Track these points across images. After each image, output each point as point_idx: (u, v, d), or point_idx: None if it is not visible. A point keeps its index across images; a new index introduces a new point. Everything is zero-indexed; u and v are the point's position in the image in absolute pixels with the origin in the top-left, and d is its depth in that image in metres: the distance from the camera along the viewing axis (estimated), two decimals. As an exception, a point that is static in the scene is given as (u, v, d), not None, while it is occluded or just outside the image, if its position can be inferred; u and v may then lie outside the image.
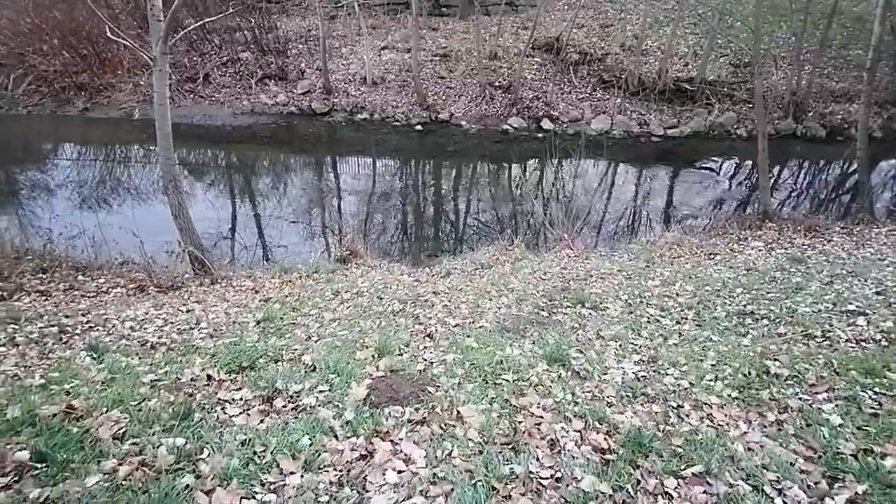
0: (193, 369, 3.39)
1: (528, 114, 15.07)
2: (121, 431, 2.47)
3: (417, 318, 4.72)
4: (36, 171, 12.21)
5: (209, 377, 3.29)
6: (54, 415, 2.60)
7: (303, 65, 16.17)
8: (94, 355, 3.73)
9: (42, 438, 2.34)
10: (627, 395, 3.16)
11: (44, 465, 2.19)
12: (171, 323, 4.84)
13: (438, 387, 3.16)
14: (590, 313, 4.72)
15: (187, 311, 5.34)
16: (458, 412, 2.82)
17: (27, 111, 14.33)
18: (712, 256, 7.41)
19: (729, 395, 3.16)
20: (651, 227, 10.01)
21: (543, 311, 4.84)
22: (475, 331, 4.28)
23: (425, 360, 3.65)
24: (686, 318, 4.70)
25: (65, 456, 2.23)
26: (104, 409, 2.67)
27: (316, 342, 4.13)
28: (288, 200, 10.99)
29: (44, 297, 6.14)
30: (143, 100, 14.53)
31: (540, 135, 14.43)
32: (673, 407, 3.06)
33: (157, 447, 2.32)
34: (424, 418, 2.79)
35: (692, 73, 15.65)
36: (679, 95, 15.38)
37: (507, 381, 3.26)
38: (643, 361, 3.69)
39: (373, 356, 3.70)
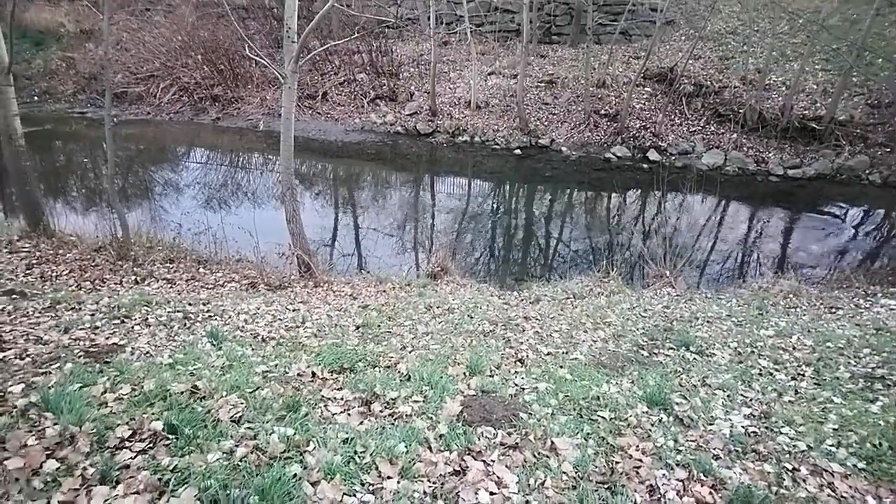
0: (300, 365, 3.60)
1: (633, 143, 14.65)
2: (238, 415, 2.68)
3: (508, 341, 4.70)
4: (170, 170, 13.71)
5: (313, 374, 3.49)
6: (182, 392, 2.89)
7: (412, 87, 16.90)
8: (214, 342, 4.08)
9: (173, 412, 2.60)
10: (736, 450, 2.94)
11: (174, 436, 2.43)
12: (280, 320, 5.19)
13: (531, 414, 3.12)
14: (695, 358, 4.45)
15: (293, 311, 5.70)
16: (552, 443, 2.77)
17: (169, 117, 16.17)
18: (834, 310, 6.71)
19: (854, 466, 2.84)
20: (761, 272, 9.27)
21: (643, 350, 4.63)
22: (569, 362, 4.18)
23: (516, 384, 3.62)
24: (803, 375, 4.29)
25: (191, 431, 2.45)
26: (223, 393, 2.92)
27: (410, 353, 4.24)
28: (385, 214, 11.45)
29: (169, 285, 6.84)
30: (267, 113, 15.88)
31: (645, 166, 13.95)
32: (787, 469, 2.80)
33: (270, 434, 2.49)
34: (517, 444, 2.77)
35: (820, 112, 14.44)
36: (803, 134, 14.23)
37: (604, 418, 3.15)
38: (754, 416, 3.41)
39: (464, 374, 3.73)
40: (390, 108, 16.39)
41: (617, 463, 2.66)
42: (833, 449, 2.99)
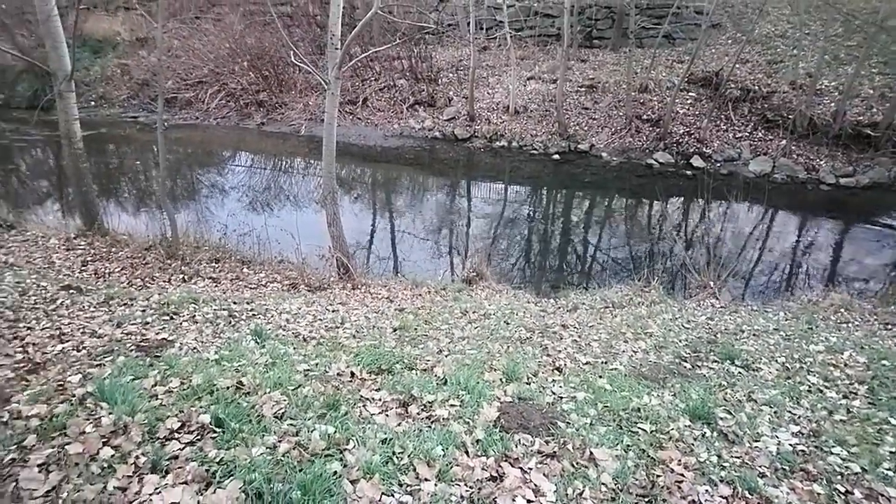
0: (339, 365, 3.67)
1: (676, 149, 14.32)
2: (280, 411, 2.76)
3: (545, 348, 4.66)
4: (216, 173, 14.19)
5: (352, 374, 3.55)
6: (228, 387, 2.99)
7: (451, 93, 17.00)
8: (258, 340, 4.20)
9: (220, 406, 2.70)
10: (784, 468, 2.83)
11: (220, 429, 2.52)
12: (320, 320, 5.30)
13: (569, 423, 3.09)
14: (740, 372, 4.30)
15: (333, 311, 5.81)
16: (591, 453, 2.73)
17: (216, 122, 16.75)
18: (890, 327, 6.38)
19: (916, 492, 2.69)
20: (811, 284, 8.88)
21: (686, 362, 4.51)
22: (608, 372, 4.12)
23: (554, 393, 3.59)
24: (856, 394, 4.09)
25: (237, 425, 2.53)
26: (267, 389, 3.00)
27: (446, 357, 4.25)
28: (421, 218, 11.54)
29: (215, 284, 7.07)
30: (309, 118, 16.27)
31: (688, 172, 13.60)
32: (840, 491, 2.68)
33: (311, 431, 2.55)
34: (555, 452, 2.74)
35: (877, 118, 13.76)
36: (858, 141, 13.58)
37: (645, 430, 3.08)
38: (802, 434, 3.28)
39: (500, 380, 3.72)
40: (428, 113, 16.53)
41: (658, 476, 2.60)
42: (891, 473, 2.85)
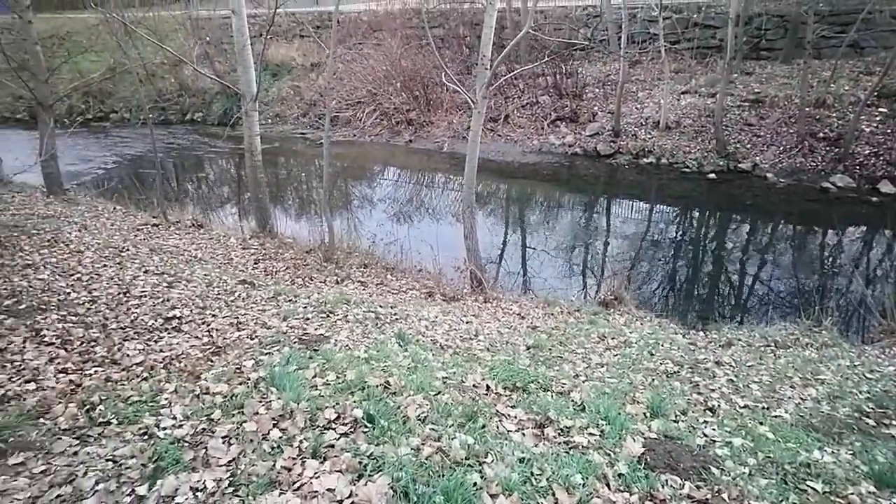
0: (475, 377, 3.74)
1: (859, 172, 12.39)
2: (423, 415, 2.88)
3: (696, 386, 4.29)
4: (367, 186, 15.35)
5: (488, 388, 3.59)
6: (377, 385, 3.19)
7: (595, 108, 16.56)
8: (401, 343, 4.45)
9: (370, 403, 2.89)
10: None
11: (371, 425, 2.69)
12: (455, 330, 5.46)
13: (723, 470, 2.80)
14: (947, 440, 3.57)
15: (466, 323, 5.95)
16: (751, 508, 2.45)
17: (370, 139, 18.14)
18: None
19: None
20: None
21: (868, 417, 3.85)
22: (770, 419, 3.67)
23: (706, 435, 3.29)
24: None
25: (385, 423, 2.70)
26: (411, 392, 3.15)
27: (584, 382, 4.12)
28: (555, 235, 11.33)
29: (363, 287, 7.63)
30: (452, 136, 16.92)
31: (874, 199, 11.69)
32: None
33: (452, 439, 2.62)
34: (707, 500, 2.51)
35: None
36: None
37: (816, 490, 2.69)
38: None
39: (644, 414, 3.51)
40: (570, 129, 16.25)
41: (837, 549, 2.25)
42: None
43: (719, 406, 3.84)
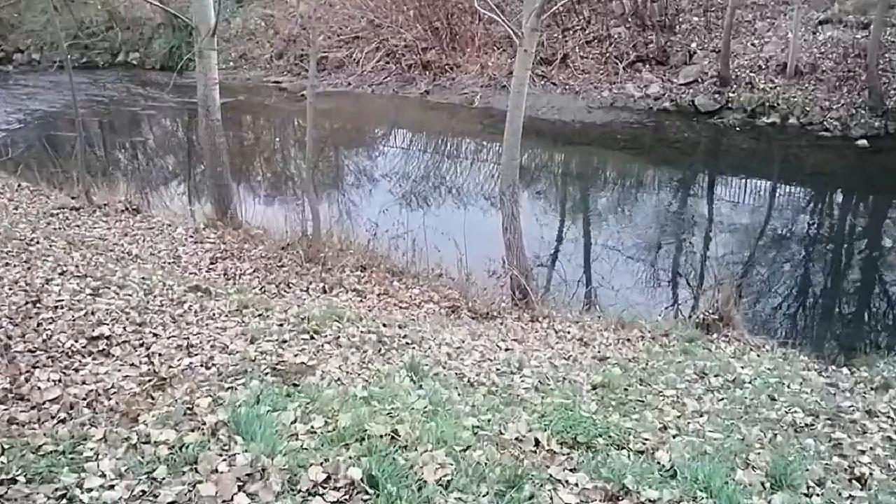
0: (519, 426, 3.75)
1: None
2: (446, 479, 2.90)
3: (838, 445, 4.26)
4: (366, 156, 15.51)
5: (537, 442, 3.60)
6: (381, 436, 3.23)
7: (693, 44, 16.46)
8: (413, 377, 4.49)
9: (373, 460, 2.93)
10: None
11: (374, 490, 2.73)
12: (490, 360, 5.49)
13: (878, 567, 2.77)
14: None
15: (506, 350, 5.97)
16: None
17: (371, 89, 18.34)
18: None
19: None
20: None
21: None
22: (947, 494, 3.61)
23: (852, 515, 3.26)
24: None
25: (393, 488, 2.73)
26: (428, 446, 3.18)
27: (674, 437, 4.11)
28: (631, 228, 11.32)
29: (359, 298, 7.72)
30: (486, 85, 16.98)
31: None
32: None
33: (489, 515, 2.64)
34: None
35: None
36: None
37: None
38: None
39: (762, 484, 3.49)
40: (656, 74, 16.18)
41: None
42: None
43: (871, 474, 3.81)
